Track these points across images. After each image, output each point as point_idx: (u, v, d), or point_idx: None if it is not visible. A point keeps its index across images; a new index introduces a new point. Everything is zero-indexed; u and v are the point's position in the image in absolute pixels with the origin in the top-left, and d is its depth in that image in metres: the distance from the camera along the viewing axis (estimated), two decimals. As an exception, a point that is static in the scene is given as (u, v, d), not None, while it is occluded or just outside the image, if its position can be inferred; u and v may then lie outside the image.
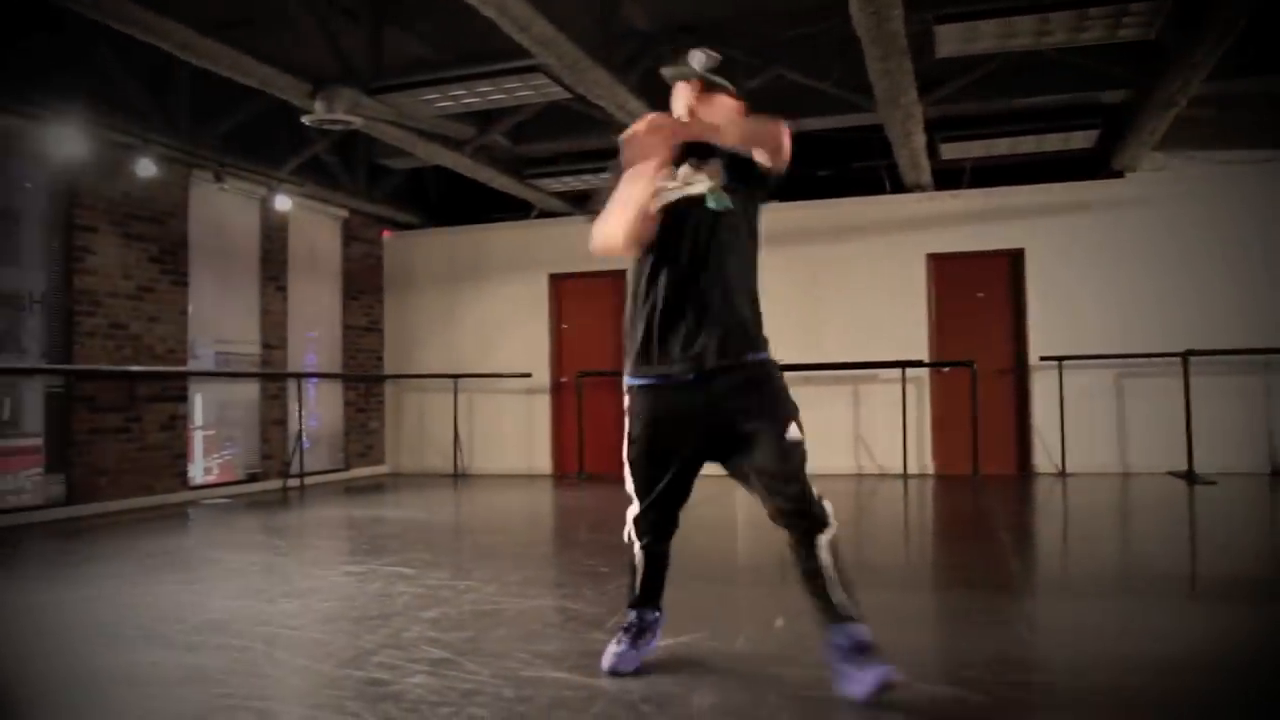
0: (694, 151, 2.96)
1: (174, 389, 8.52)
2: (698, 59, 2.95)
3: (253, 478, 9.43)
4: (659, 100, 8.14)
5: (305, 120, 7.43)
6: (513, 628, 3.68)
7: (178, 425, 8.54)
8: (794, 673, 3.04)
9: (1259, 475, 8.83)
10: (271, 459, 9.64)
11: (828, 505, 2.75)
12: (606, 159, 9.52)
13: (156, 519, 7.37)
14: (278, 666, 3.30)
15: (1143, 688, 2.89)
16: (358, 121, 7.47)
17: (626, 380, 3.01)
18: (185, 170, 8.62)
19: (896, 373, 9.57)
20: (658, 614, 3.17)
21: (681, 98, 3.00)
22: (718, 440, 2.84)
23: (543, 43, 6.02)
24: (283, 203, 9.59)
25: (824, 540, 2.72)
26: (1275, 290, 9.01)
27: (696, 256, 2.87)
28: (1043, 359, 9.44)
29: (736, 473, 2.87)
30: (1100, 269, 9.48)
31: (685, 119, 2.93)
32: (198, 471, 8.96)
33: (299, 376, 9.89)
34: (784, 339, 11.05)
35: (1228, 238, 9.19)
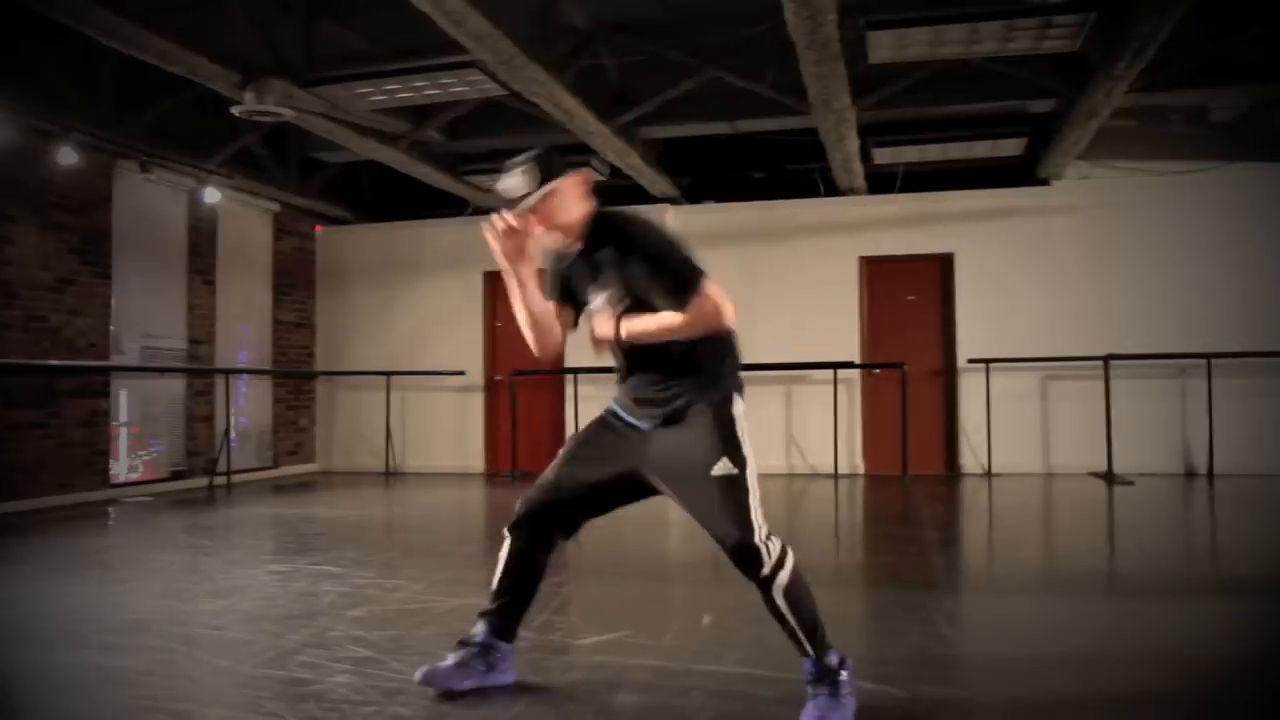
0: (597, 264, 2.78)
1: (95, 384, 8.30)
2: (509, 187, 2.75)
3: (177, 475, 9.23)
4: (595, 97, 8.11)
5: (235, 111, 7.29)
6: (439, 626, 3.66)
7: (99, 421, 8.32)
8: (720, 670, 3.07)
9: (1174, 475, 9.13)
10: (198, 456, 9.45)
11: (773, 545, 2.60)
12: (543, 156, 9.57)
13: (77, 517, 7.18)
14: (198, 667, 3.24)
15: (1063, 683, 2.97)
16: (289, 114, 7.35)
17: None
18: (109, 160, 8.40)
19: (829, 373, 9.69)
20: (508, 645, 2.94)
21: (537, 227, 2.78)
22: (646, 474, 2.75)
23: (478, 38, 5.98)
24: (211, 195, 9.41)
25: (775, 584, 2.57)
26: (1192, 296, 9.31)
27: (631, 349, 2.77)
28: (970, 361, 9.64)
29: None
30: (1027, 274, 9.71)
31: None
32: (121, 469, 8.74)
33: (226, 372, 9.69)
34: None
35: (1149, 245, 9.48)
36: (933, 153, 9.22)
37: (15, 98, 7.11)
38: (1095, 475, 9.11)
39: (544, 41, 6.70)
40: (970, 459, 9.74)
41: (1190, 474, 9.19)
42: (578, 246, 2.83)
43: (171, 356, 9.30)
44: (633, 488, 2.80)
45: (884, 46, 6.58)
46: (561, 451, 2.91)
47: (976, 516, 7.37)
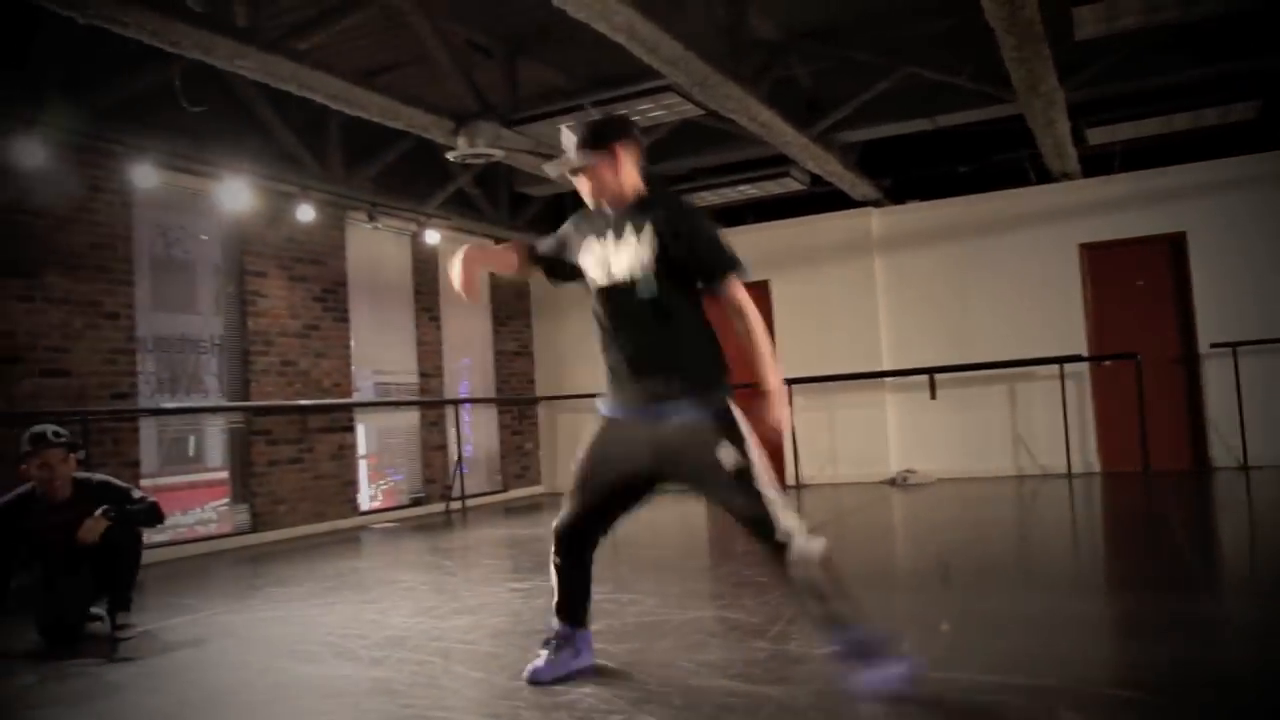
0: (624, 222, 3.00)
1: (341, 420, 8.98)
2: (567, 144, 3.01)
3: (416, 502, 9.83)
4: (790, 107, 8.09)
5: (449, 156, 7.75)
6: (676, 638, 3.74)
7: (345, 454, 8.99)
8: (965, 678, 3.00)
9: None
10: (434, 483, 10.03)
11: (789, 522, 2.77)
12: (744, 171, 9.65)
13: (331, 543, 7.77)
14: (455, 679, 3.45)
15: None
16: (498, 154, 7.74)
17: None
18: (340, 213, 9.10)
19: (1055, 369, 9.24)
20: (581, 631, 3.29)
21: (583, 187, 3.06)
22: (658, 470, 2.97)
23: (671, 62, 6.12)
24: (432, 236, 10.00)
25: (792, 558, 2.75)
26: None
27: (630, 331, 2.98)
28: (1214, 346, 8.95)
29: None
30: (1273, 247, 8.92)
31: None
32: (365, 498, 9.40)
33: (455, 402, 10.26)
34: (933, 341, 10.85)
35: None
36: (1153, 126, 8.62)
37: (258, 162, 7.82)
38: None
39: (735, 58, 6.77)
40: (1221, 451, 9.02)
41: None
42: (611, 209, 3.05)
43: (404, 390, 9.93)
44: (650, 483, 3.03)
45: (1091, 21, 6.25)
46: (575, 474, 3.13)
47: (1232, 513, 6.83)
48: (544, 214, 11.24)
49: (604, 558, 6.35)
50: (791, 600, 2.83)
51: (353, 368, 9.20)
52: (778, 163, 9.14)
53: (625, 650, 3.58)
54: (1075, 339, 9.45)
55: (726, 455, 2.80)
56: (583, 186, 3.05)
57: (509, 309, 11.66)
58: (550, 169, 3.12)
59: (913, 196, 10.27)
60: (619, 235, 2.99)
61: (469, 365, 11.01)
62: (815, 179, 9.53)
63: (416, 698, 3.20)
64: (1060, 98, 7.33)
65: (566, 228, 3.23)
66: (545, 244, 3.30)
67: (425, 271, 10.27)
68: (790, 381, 10.04)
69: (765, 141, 8.04)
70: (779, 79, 7.68)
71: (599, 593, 4.74)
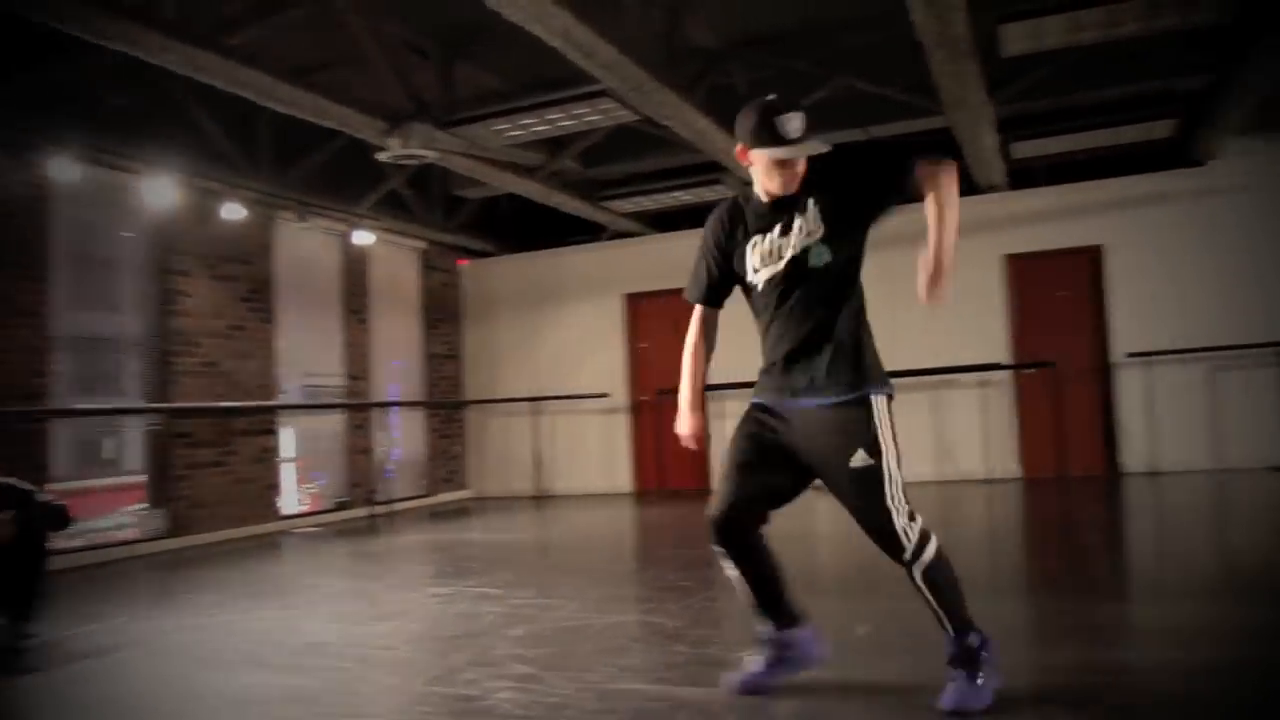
0: (796, 206, 2.85)
1: (264, 423, 8.80)
2: (795, 126, 2.75)
3: (340, 506, 9.67)
4: (727, 115, 8.15)
5: (380, 157, 7.65)
6: (597, 643, 3.73)
7: (268, 458, 8.81)
8: (882, 680, 3.02)
9: (1367, 469, 8.49)
10: (359, 487, 9.88)
11: (913, 528, 2.69)
12: (678, 178, 9.68)
13: (252, 549, 7.60)
14: (371, 685, 3.40)
15: (1241, 693, 2.81)
16: (432, 155, 7.66)
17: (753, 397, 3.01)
18: (269, 211, 8.92)
19: (976, 377, 9.42)
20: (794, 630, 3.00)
21: (770, 163, 2.80)
22: (802, 460, 2.84)
23: (607, 67, 6.11)
24: (362, 238, 9.87)
25: (916, 565, 2.68)
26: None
27: (794, 313, 2.86)
28: (1130, 355, 9.20)
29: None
30: (1186, 261, 9.18)
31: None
32: (288, 502, 9.22)
33: (382, 405, 10.12)
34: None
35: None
36: (1076, 142, 8.83)
37: (186, 160, 7.64)
38: (1275, 470, 8.54)
39: (672, 64, 6.79)
40: (1133, 457, 9.27)
41: (1386, 465, 8.54)
42: (767, 200, 2.88)
43: (330, 393, 9.78)
44: (802, 472, 2.87)
45: (1017, 38, 6.39)
46: (725, 463, 2.95)
47: (1141, 518, 7.02)
48: (478, 216, 11.16)
49: (529, 562, 6.35)
50: (914, 596, 2.74)
51: (278, 369, 9.02)
52: (712, 169, 9.19)
53: (544, 655, 3.55)
54: (998, 348, 9.65)
55: (858, 456, 2.71)
56: (785, 174, 2.81)
57: (439, 312, 11.55)
58: (793, 125, 2.74)
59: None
60: (787, 223, 2.85)
61: (401, 367, 10.87)
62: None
63: (331, 705, 3.14)
64: (988, 112, 7.48)
65: (711, 243, 3.02)
66: (705, 286, 3.09)
67: (355, 273, 10.13)
68: (716, 387, 10.12)
69: (700, 149, 8.07)
70: (716, 86, 7.72)
71: (520, 598, 4.73)
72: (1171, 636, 3.47)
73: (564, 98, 7.03)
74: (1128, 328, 9.34)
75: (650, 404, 10.69)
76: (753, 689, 2.92)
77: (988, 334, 9.69)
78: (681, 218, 10.89)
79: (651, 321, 11.12)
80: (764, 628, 2.97)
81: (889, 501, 2.68)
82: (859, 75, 7.57)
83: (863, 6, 6.91)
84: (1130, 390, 9.28)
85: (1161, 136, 8.84)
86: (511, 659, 3.52)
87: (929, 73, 6.59)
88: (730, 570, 2.94)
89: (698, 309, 3.14)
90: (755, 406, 2.95)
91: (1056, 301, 9.75)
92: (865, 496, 2.70)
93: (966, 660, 2.68)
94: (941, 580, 2.71)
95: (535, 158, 8.78)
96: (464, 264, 11.97)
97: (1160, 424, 9.08)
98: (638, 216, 10.81)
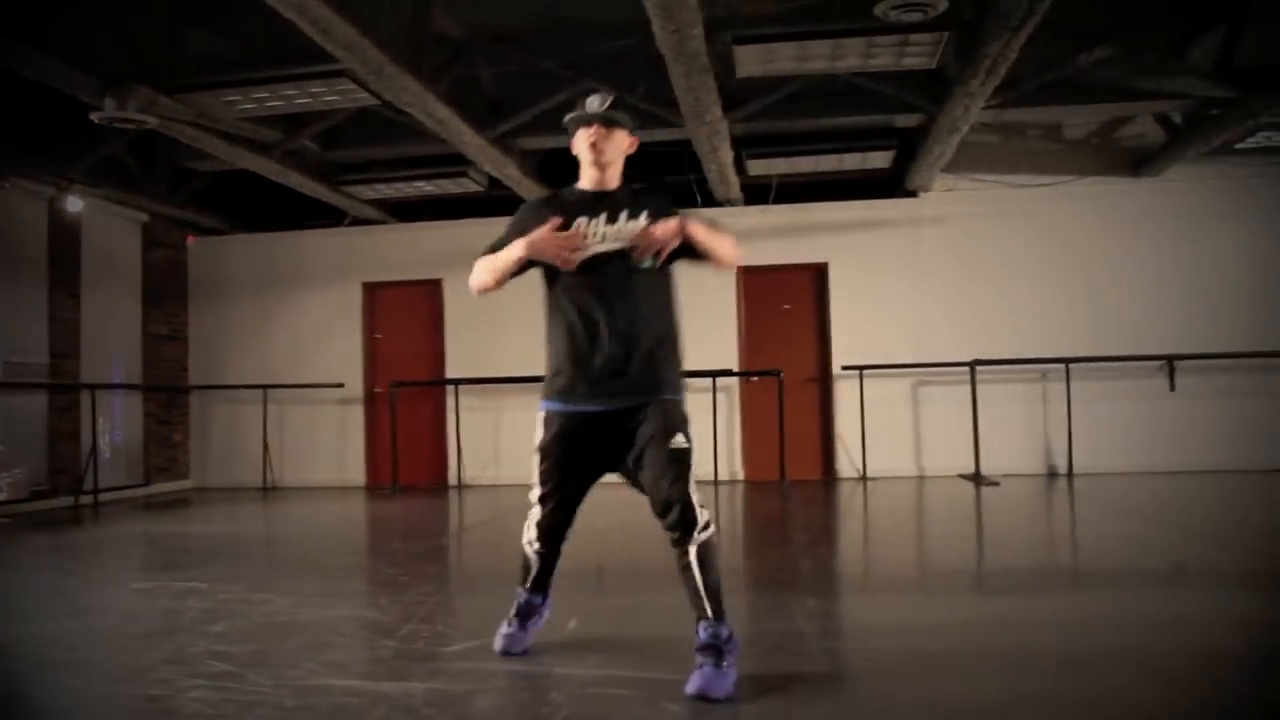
0: (622, 204, 3.08)
1: (-52, 402, 7.93)
2: (594, 102, 3.08)
3: (39, 495, 8.85)
4: (471, 107, 8.07)
5: (94, 118, 7.07)
6: (303, 638, 3.62)
7: (-48, 441, 7.95)
8: (581, 673, 3.12)
9: (1037, 476, 9.58)
10: (62, 474, 9.08)
11: (703, 512, 2.93)
12: (421, 167, 9.52)
13: (-75, 542, 6.84)
14: (45, 690, 3.15)
15: (935, 682, 3.12)
16: (153, 121, 7.16)
17: (542, 404, 3.17)
18: (-39, 167, 8.05)
19: (708, 382, 9.85)
20: (545, 599, 3.36)
21: (583, 140, 3.09)
22: (618, 453, 3.04)
23: (346, 46, 5.94)
24: (74, 204, 9.09)
25: (697, 540, 2.90)
26: (1052, 303, 9.80)
27: (614, 303, 3.03)
28: (845, 368, 9.93)
29: (628, 476, 3.07)
30: (897, 282, 10.06)
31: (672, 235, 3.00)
32: (-23, 490, 8.34)
33: (91, 387, 9.33)
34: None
35: (1011, 255, 9.94)
36: (805, 164, 9.46)
37: None
38: (964, 477, 9.48)
39: (415, 51, 6.68)
40: (846, 464, 10.03)
41: (1052, 474, 9.66)
42: (592, 189, 3.13)
43: (32, 371, 8.93)
44: (605, 465, 3.12)
45: (751, 61, 6.76)
46: (545, 478, 3.17)
47: (850, 519, 7.60)
48: (209, 191, 10.52)
49: (245, 556, 6.07)
50: (680, 575, 2.93)
51: (-34, 343, 8.14)
52: (456, 161, 9.11)
53: (247, 651, 3.42)
54: (729, 355, 10.14)
55: (679, 438, 2.95)
56: (593, 144, 3.06)
57: (163, 290, 10.80)
58: (593, 101, 3.07)
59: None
60: (613, 215, 3.04)
61: (114, 351, 10.07)
62: (494, 181, 9.59)
63: (-6, 710, 2.89)
64: (724, 128, 7.85)
65: (525, 217, 3.17)
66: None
67: (65, 241, 9.29)
68: (454, 382, 10.07)
69: (444, 139, 7.99)
70: (461, 78, 7.67)
71: (229, 593, 4.53)
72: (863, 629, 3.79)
73: (300, 74, 6.77)
74: (844, 342, 10.08)
75: (384, 396, 10.46)
76: (512, 647, 3.26)
77: (720, 342, 10.17)
78: (424, 208, 10.76)
79: (390, 312, 10.91)
80: (526, 596, 3.30)
81: (691, 483, 2.95)
82: (604, 80, 7.73)
83: (611, 12, 7.06)
84: (846, 401, 10.02)
85: (881, 167, 9.60)
86: (210, 656, 3.37)
87: (670, 85, 6.84)
88: (533, 551, 3.26)
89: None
90: (559, 415, 3.10)
91: (784, 314, 10.37)
92: (676, 472, 2.91)
93: (716, 649, 2.84)
94: (711, 561, 2.92)
95: (271, 134, 8.39)
96: (193, 241, 11.25)
97: (871, 433, 9.86)
98: (379, 204, 10.56)
